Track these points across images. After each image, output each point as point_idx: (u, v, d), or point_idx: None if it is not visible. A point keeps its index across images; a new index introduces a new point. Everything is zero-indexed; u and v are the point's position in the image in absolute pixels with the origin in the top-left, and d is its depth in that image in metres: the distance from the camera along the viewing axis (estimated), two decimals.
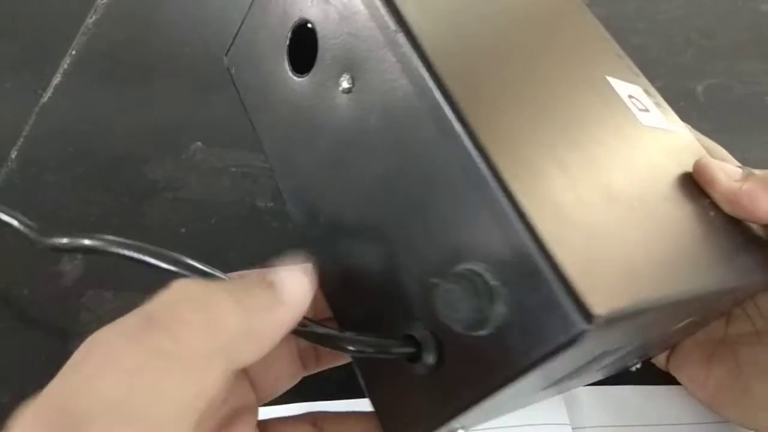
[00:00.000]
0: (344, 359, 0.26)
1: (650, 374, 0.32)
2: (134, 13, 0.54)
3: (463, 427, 0.21)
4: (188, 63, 0.50)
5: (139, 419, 0.15)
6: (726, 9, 0.58)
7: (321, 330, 0.20)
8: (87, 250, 0.22)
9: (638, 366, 0.30)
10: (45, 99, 0.46)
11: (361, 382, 0.23)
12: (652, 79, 0.30)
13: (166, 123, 0.45)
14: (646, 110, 0.27)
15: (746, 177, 0.25)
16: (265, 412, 0.24)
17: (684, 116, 0.30)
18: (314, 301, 0.20)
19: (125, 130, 0.45)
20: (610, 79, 0.27)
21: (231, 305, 0.17)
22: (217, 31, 0.54)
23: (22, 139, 0.43)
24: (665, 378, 0.32)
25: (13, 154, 0.43)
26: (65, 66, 0.49)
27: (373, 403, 0.22)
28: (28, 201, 0.40)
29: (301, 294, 0.19)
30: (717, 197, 0.25)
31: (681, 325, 0.25)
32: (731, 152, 0.30)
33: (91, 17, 0.53)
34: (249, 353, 0.18)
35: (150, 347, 0.16)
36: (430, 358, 0.19)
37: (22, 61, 0.49)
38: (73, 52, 0.50)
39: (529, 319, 0.17)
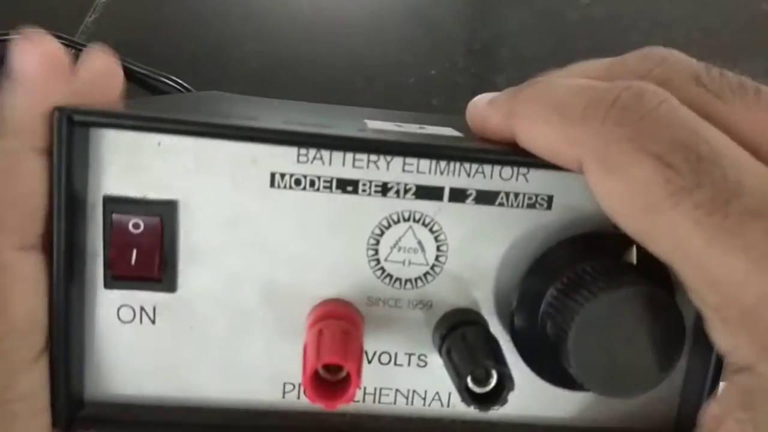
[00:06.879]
0: None
1: None
2: (134, 12, 0.54)
3: None
4: (188, 63, 0.50)
5: None
6: (727, 8, 0.58)
7: None
8: None
9: None
10: None
11: None
12: None
13: None
14: None
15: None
16: None
17: None
18: None
19: None
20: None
21: None
22: (217, 31, 0.54)
23: None
24: None
25: None
26: None
27: None
28: None
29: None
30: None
31: None
32: None
33: (91, 17, 0.53)
34: None
35: None
36: None
37: None
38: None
39: None
